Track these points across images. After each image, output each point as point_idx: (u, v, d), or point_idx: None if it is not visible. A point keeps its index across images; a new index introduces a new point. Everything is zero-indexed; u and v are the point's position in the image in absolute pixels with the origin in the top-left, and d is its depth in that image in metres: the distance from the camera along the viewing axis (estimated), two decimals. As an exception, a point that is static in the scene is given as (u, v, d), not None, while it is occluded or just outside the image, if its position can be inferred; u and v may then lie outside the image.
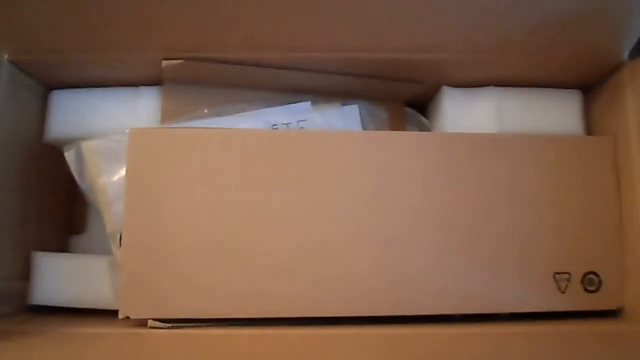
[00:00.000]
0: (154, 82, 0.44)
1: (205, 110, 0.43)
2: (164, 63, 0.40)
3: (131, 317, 0.35)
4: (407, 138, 0.39)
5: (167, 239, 0.36)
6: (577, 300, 0.38)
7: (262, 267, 0.36)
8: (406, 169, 0.38)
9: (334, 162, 0.37)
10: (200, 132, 0.38)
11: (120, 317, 0.35)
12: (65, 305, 0.41)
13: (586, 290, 0.38)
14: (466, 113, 0.44)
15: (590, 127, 0.44)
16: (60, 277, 0.42)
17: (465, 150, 0.38)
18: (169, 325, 0.35)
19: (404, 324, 0.36)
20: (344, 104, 0.45)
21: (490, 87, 0.44)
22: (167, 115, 0.43)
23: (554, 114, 0.44)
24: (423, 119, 0.47)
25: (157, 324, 0.35)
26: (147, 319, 0.35)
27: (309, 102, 0.44)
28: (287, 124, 0.43)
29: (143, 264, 0.35)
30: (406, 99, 0.47)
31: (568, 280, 0.38)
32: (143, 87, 0.44)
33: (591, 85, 0.44)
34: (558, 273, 0.38)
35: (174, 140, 0.37)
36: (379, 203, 0.37)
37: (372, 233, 0.37)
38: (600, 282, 0.38)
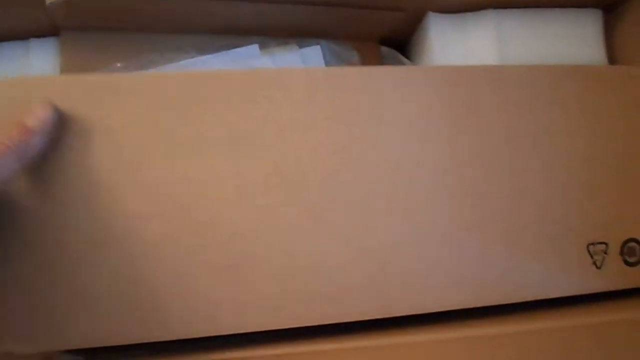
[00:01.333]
0: (49, 32, 0.37)
1: (119, 64, 0.37)
2: (48, 0, 0.32)
3: (15, 352, 0.27)
4: (387, 74, 0.32)
5: (59, 236, 0.27)
6: (617, 276, 0.32)
7: (194, 266, 0.28)
8: (388, 117, 0.31)
9: (290, 111, 0.30)
10: (92, 80, 0.29)
11: None
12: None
13: (627, 262, 0.32)
14: (459, 45, 0.38)
15: (614, 55, 0.40)
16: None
17: (463, 88, 0.32)
18: (76, 358, 0.29)
19: (392, 329, 0.30)
20: (302, 46, 0.39)
21: (489, 10, 0.39)
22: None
23: (569, 39, 0.39)
24: (403, 58, 0.42)
25: (62, 357, 0.28)
26: (42, 353, 0.28)
27: (256, 45, 0.38)
28: (229, 75, 0.37)
29: (27, 276, 0.27)
30: (381, 36, 0.42)
31: (604, 252, 0.32)
32: (35, 39, 0.37)
33: (614, 1, 0.40)
34: (592, 244, 0.32)
35: (56, 94, 0.27)
36: (353, 164, 0.30)
37: (346, 206, 0.30)
38: (644, 251, 0.33)
